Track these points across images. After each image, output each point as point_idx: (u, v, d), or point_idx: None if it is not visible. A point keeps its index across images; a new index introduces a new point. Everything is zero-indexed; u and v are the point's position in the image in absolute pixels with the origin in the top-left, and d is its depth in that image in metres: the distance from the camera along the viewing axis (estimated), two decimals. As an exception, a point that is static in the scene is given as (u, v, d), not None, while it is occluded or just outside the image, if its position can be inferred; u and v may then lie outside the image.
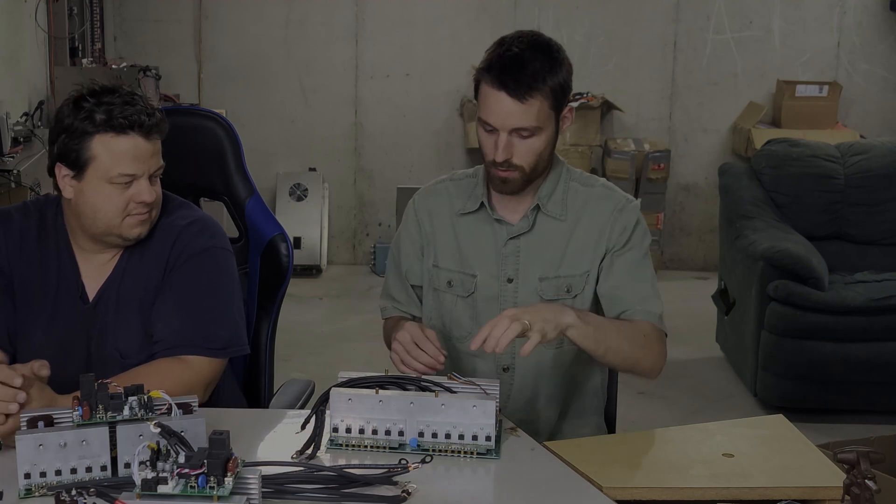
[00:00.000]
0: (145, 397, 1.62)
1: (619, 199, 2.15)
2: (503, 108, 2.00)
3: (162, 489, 1.44)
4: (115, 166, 1.95)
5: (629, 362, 2.06)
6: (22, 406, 1.70)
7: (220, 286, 2.08)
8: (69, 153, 1.97)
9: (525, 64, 1.99)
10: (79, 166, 1.96)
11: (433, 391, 1.79)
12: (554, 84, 2.01)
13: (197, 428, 1.59)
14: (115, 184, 1.96)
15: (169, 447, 1.48)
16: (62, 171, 1.99)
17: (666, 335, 2.13)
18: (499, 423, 1.80)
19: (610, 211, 2.13)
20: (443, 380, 1.85)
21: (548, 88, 2.00)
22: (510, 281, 2.14)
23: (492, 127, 2.02)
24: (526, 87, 1.98)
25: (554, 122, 2.06)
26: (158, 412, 1.62)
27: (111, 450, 1.60)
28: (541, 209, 2.13)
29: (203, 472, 1.44)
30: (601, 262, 2.13)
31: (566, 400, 2.21)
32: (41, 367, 1.75)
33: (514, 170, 2.05)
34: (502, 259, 2.14)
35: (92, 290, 2.08)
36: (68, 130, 1.96)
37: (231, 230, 2.44)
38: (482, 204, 2.16)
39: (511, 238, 2.14)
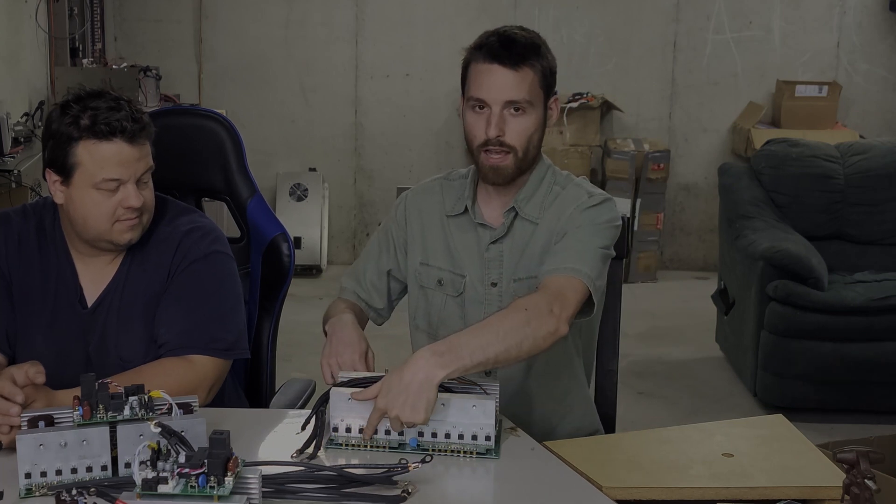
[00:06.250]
0: (146, 397, 1.62)
1: (582, 195, 2.10)
2: (496, 79, 2.01)
3: (162, 489, 1.44)
4: (100, 172, 1.94)
5: (525, 348, 1.86)
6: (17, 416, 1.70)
7: (222, 290, 2.09)
8: (56, 159, 1.97)
9: (517, 38, 2.04)
10: (66, 172, 1.97)
11: (433, 391, 1.79)
12: (543, 63, 2.05)
13: (197, 428, 1.59)
14: (102, 189, 1.96)
15: (169, 447, 1.48)
16: (52, 177, 2.00)
17: (591, 293, 1.96)
18: (498, 422, 1.80)
19: (568, 208, 2.08)
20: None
21: (538, 64, 2.03)
22: (494, 285, 2.13)
23: (483, 103, 2.03)
24: (519, 55, 2.01)
25: (542, 105, 2.06)
26: (159, 412, 1.62)
27: (111, 449, 1.60)
28: (518, 213, 2.11)
29: (203, 472, 1.44)
30: None
31: (557, 405, 2.19)
32: (37, 374, 1.75)
33: (507, 152, 2.04)
34: (486, 263, 2.14)
35: (91, 295, 2.08)
36: (55, 136, 1.96)
37: (232, 230, 2.45)
38: (466, 208, 2.15)
39: (492, 242, 2.13)
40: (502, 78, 2.01)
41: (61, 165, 1.97)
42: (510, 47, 2.02)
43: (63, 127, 1.95)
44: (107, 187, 1.96)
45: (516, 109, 2.03)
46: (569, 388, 2.20)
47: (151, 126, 2.01)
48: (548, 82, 2.07)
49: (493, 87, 2.02)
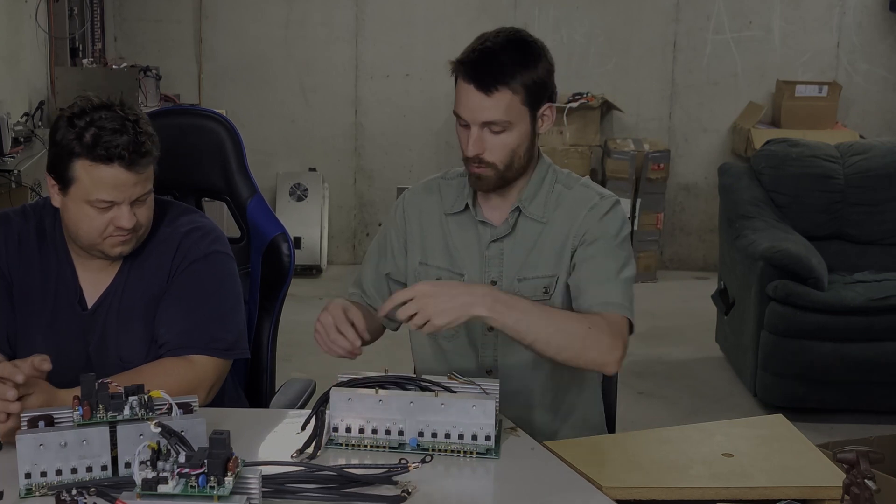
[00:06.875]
0: (145, 397, 1.62)
1: (593, 196, 2.11)
2: (471, 101, 2.00)
3: (162, 489, 1.44)
4: (95, 192, 1.94)
5: (566, 355, 1.93)
6: (21, 401, 1.70)
7: (222, 290, 2.09)
8: (56, 167, 1.98)
9: (495, 57, 1.99)
10: (63, 182, 1.97)
11: (433, 391, 1.79)
12: (527, 80, 2.00)
13: (197, 428, 1.59)
14: (95, 207, 1.96)
15: (169, 447, 1.48)
16: (50, 181, 2.01)
17: (632, 324, 2.02)
18: (498, 422, 1.80)
19: (582, 210, 2.10)
20: (443, 379, 1.85)
21: (518, 84, 1.99)
22: (494, 283, 2.13)
23: (465, 121, 2.03)
24: (492, 79, 1.98)
25: (528, 119, 2.03)
26: (159, 412, 1.62)
27: (111, 449, 1.61)
28: (522, 212, 2.12)
29: (203, 472, 1.44)
30: (571, 261, 2.09)
31: (559, 404, 2.19)
32: (42, 362, 1.76)
33: (487, 166, 2.04)
34: (486, 261, 2.14)
35: (91, 297, 2.08)
36: (58, 146, 1.96)
37: (232, 230, 2.45)
38: (467, 205, 2.16)
39: (493, 241, 2.13)
40: (477, 101, 1.99)
41: (60, 175, 1.98)
42: (486, 69, 1.98)
43: (66, 140, 1.95)
44: (100, 206, 1.96)
45: (495, 129, 2.01)
46: (570, 387, 2.20)
47: (156, 150, 2.00)
48: (534, 98, 2.02)
49: (469, 108, 2.01)
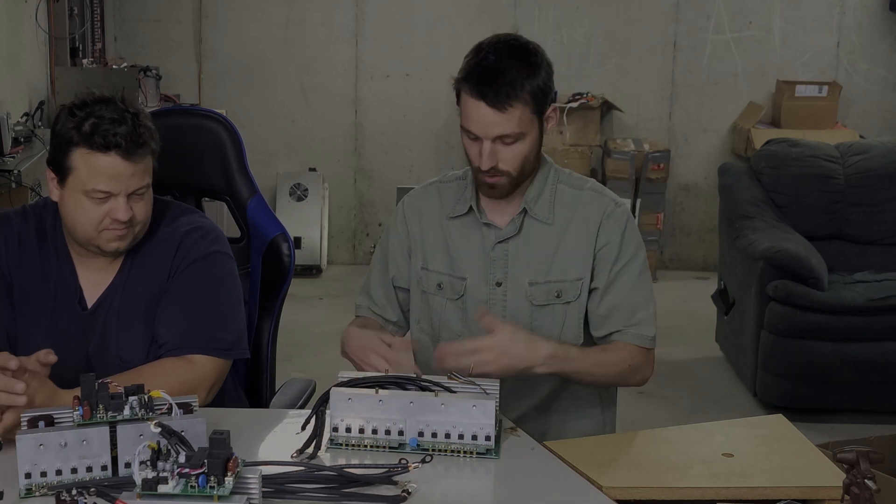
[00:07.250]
0: (146, 397, 1.62)
1: (608, 203, 2.14)
2: (484, 117, 2.00)
3: (162, 489, 1.44)
4: (91, 181, 1.95)
5: (607, 385, 2.23)
6: (21, 394, 1.71)
7: (222, 290, 2.09)
8: (55, 159, 1.98)
9: (503, 72, 1.99)
10: (61, 173, 1.98)
11: (433, 391, 1.79)
12: (533, 89, 2.01)
13: (197, 428, 1.59)
14: (92, 198, 1.96)
15: (169, 447, 1.48)
16: (50, 175, 2.01)
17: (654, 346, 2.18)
18: (498, 422, 1.80)
19: (598, 216, 2.13)
20: (443, 380, 1.85)
21: (527, 94, 2.00)
22: (499, 285, 2.14)
23: (475, 135, 2.03)
24: (505, 95, 1.98)
25: (537, 125, 2.05)
26: (159, 412, 1.62)
27: (112, 449, 1.61)
28: (528, 213, 2.13)
29: (203, 472, 1.44)
30: (592, 269, 2.13)
31: (560, 394, 2.20)
32: (47, 355, 1.76)
33: (501, 175, 2.05)
34: (491, 263, 2.14)
35: (91, 297, 2.08)
36: (58, 136, 1.97)
37: (232, 230, 2.45)
38: (471, 208, 2.16)
39: (499, 242, 2.14)
40: (490, 117, 2.00)
41: (58, 166, 1.98)
42: (496, 85, 1.98)
43: (65, 130, 1.95)
44: (96, 196, 1.96)
45: (508, 140, 2.02)
46: (576, 388, 2.20)
47: (154, 143, 2.00)
48: (541, 104, 2.04)
49: (482, 123, 2.01)
